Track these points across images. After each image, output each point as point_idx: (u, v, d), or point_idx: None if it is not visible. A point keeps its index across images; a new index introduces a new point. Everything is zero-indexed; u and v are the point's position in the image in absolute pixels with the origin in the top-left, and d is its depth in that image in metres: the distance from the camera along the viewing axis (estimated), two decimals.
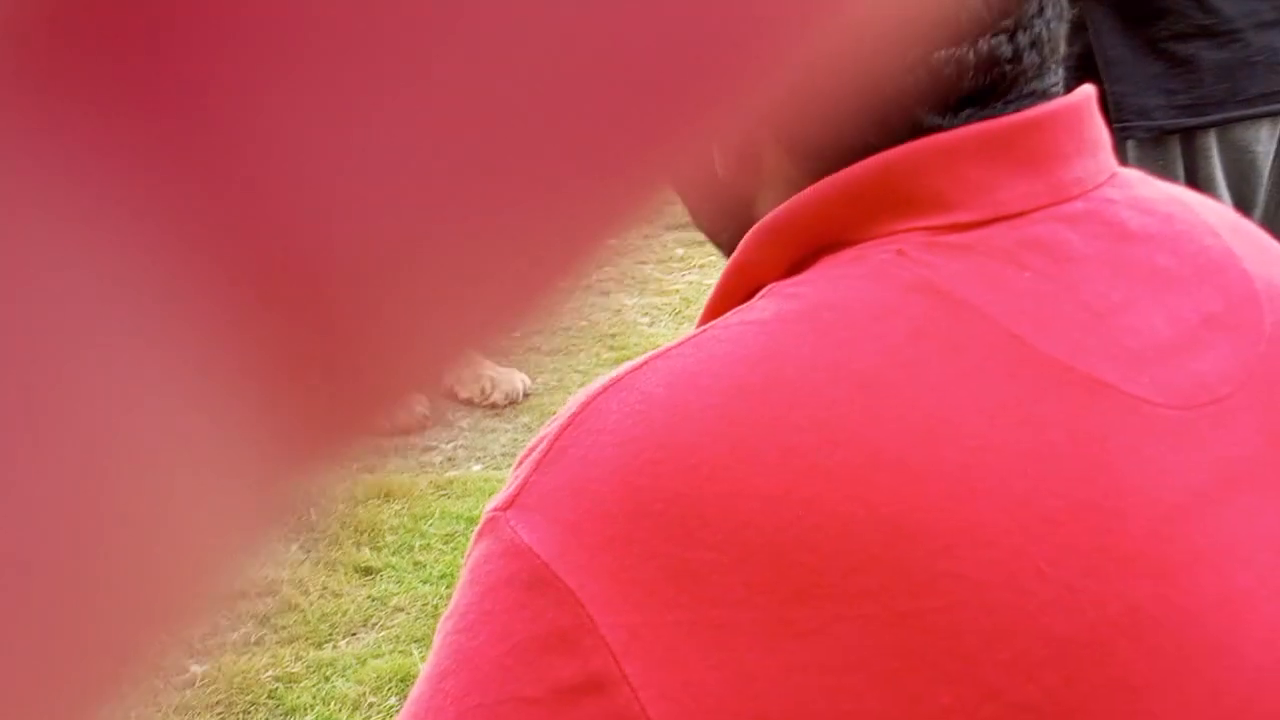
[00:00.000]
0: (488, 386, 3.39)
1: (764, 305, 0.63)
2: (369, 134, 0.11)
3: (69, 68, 0.10)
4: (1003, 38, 0.67)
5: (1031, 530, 0.57)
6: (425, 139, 0.11)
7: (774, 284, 0.66)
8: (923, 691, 0.55)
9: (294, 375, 0.11)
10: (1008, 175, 0.65)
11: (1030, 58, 0.67)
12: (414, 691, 0.61)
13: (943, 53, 0.66)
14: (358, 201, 0.11)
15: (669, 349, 0.63)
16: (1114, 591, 0.57)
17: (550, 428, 0.62)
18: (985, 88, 0.67)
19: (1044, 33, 0.68)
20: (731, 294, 0.70)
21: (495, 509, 0.60)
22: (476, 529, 0.61)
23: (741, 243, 0.69)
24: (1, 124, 0.10)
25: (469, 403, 3.40)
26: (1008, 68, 0.67)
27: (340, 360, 0.11)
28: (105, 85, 0.10)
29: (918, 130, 0.66)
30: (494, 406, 3.38)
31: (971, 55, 0.66)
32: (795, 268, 0.67)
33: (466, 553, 0.62)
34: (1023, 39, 0.67)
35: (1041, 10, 0.68)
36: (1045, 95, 0.69)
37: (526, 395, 3.43)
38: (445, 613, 0.61)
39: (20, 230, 0.10)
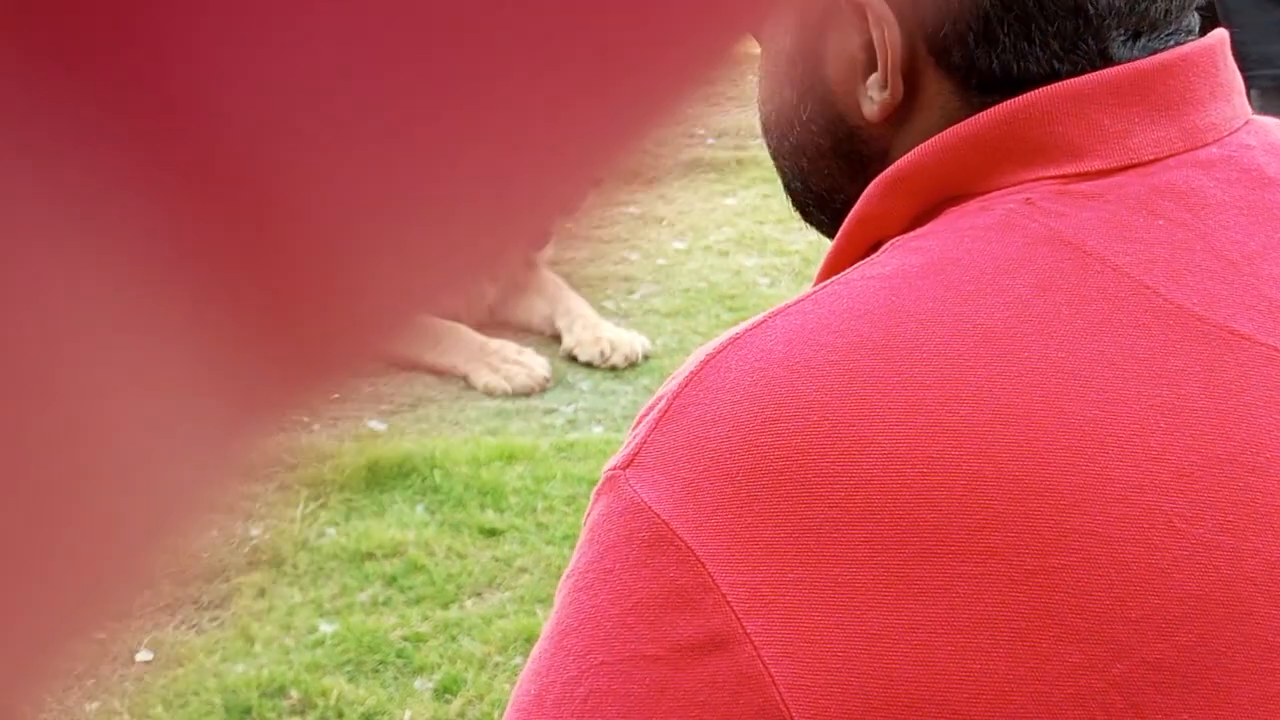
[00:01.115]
0: (607, 349, 3.40)
1: (886, 259, 0.62)
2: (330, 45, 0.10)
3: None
4: None
5: (1165, 485, 0.55)
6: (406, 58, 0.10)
7: (897, 237, 0.65)
8: (1051, 650, 0.54)
9: (260, 320, 0.11)
10: (1140, 121, 0.63)
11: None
12: (536, 649, 0.61)
13: None
14: (319, 130, 0.10)
15: (788, 305, 0.62)
16: (1251, 548, 0.56)
17: (669, 386, 0.61)
18: (1141, 25, 0.65)
19: None
20: (852, 248, 0.69)
21: (614, 468, 0.60)
22: (595, 488, 0.61)
23: (863, 195, 0.68)
24: None
25: (589, 365, 3.41)
26: (1155, 6, 0.65)
27: (308, 303, 0.11)
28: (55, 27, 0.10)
29: (1100, 59, 0.64)
30: (614, 369, 3.39)
31: None
32: (918, 220, 0.66)
33: (586, 512, 0.61)
34: None
35: None
36: (1181, 38, 0.66)
37: (646, 357, 3.44)
38: (566, 571, 0.61)
39: None
